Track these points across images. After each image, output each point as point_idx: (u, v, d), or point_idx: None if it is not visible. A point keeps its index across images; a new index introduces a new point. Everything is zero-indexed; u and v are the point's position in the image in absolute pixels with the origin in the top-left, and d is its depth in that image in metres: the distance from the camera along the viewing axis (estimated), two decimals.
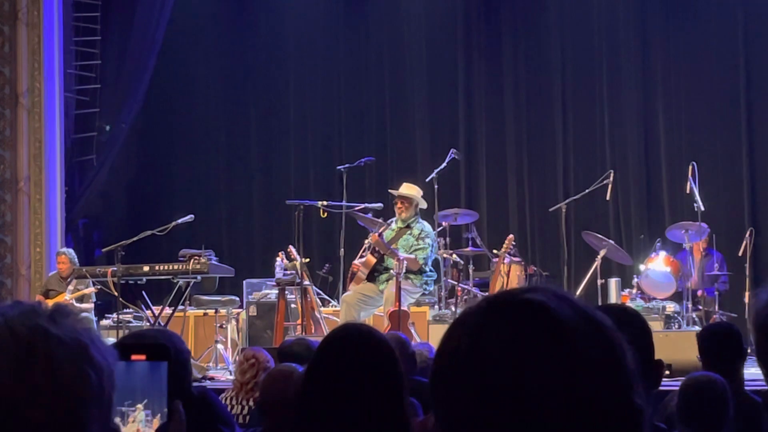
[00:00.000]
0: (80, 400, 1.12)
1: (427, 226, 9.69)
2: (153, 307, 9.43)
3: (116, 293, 9.30)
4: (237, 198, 14.14)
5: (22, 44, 11.69)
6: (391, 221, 9.85)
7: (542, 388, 1.07)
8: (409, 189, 9.76)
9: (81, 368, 1.12)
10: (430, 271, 9.60)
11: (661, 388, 3.05)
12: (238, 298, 10.85)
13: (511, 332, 1.10)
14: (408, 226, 9.60)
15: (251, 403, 5.29)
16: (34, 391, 1.09)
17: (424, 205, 9.78)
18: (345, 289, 9.80)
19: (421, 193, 9.79)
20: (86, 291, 10.33)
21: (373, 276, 9.50)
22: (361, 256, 9.69)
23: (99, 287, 9.95)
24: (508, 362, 1.08)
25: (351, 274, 9.68)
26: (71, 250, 10.99)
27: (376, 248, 9.47)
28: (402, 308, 8.93)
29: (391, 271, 9.21)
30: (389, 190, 9.99)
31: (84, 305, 10.32)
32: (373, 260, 9.47)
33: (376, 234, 9.49)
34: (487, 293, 10.04)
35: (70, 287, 10.34)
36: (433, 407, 1.15)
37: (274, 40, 13.93)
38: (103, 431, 1.15)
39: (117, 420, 1.70)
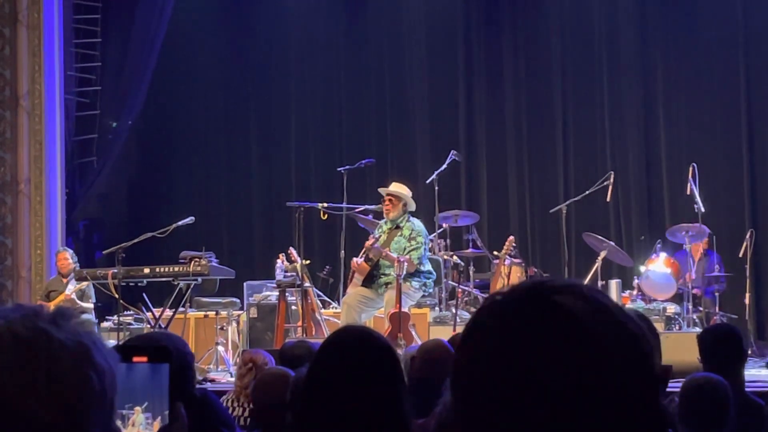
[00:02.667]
0: (82, 403, 1.12)
1: (417, 224, 9.41)
2: (153, 309, 9.42)
3: (117, 295, 9.28)
4: (237, 200, 14.14)
5: (23, 46, 11.69)
6: (381, 223, 9.66)
7: (566, 394, 1.07)
8: (397, 187, 9.52)
9: (83, 371, 1.13)
10: (428, 272, 9.44)
11: None
12: (238, 300, 10.84)
13: (535, 337, 1.09)
14: (397, 227, 9.37)
15: (252, 405, 5.29)
16: (37, 393, 1.09)
17: (412, 206, 9.49)
18: (345, 291, 9.75)
19: (410, 193, 9.50)
20: (84, 284, 10.25)
21: (369, 281, 9.35)
22: (362, 256, 9.60)
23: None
24: (531, 366, 1.08)
25: (351, 273, 9.59)
26: (69, 249, 11.00)
27: (370, 255, 9.33)
28: (402, 310, 8.90)
29: (391, 273, 9.14)
30: (378, 189, 9.83)
31: (84, 304, 10.31)
32: (367, 267, 9.30)
33: (371, 240, 9.34)
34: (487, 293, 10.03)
35: (70, 286, 10.34)
36: (453, 404, 1.14)
37: (275, 41, 13.94)
38: None
39: (117, 422, 1.70)
